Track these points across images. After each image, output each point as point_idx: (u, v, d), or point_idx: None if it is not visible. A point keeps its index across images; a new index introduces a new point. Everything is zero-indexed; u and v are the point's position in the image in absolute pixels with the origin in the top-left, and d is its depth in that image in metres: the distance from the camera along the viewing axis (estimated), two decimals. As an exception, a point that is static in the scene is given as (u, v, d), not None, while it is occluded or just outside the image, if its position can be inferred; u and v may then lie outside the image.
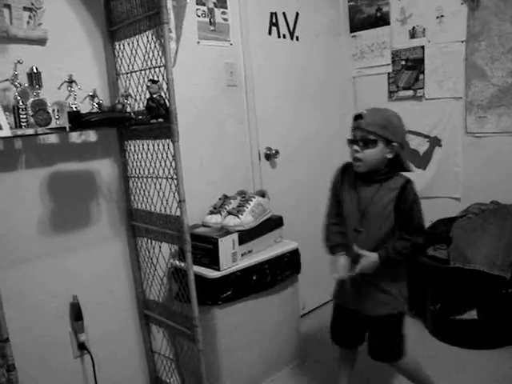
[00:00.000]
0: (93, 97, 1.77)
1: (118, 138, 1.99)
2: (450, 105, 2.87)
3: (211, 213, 2.20)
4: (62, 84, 1.67)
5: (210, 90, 2.40)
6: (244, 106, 2.59)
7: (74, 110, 1.66)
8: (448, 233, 2.58)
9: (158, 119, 1.70)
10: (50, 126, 1.58)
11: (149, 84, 1.69)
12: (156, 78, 1.71)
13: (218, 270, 2.03)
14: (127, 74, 1.91)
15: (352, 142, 1.74)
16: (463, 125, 2.84)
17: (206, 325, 2.00)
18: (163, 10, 1.60)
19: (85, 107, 1.73)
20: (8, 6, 1.64)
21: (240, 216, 2.15)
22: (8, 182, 1.72)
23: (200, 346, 1.80)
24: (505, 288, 2.37)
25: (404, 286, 1.82)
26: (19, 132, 1.53)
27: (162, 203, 1.88)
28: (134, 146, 1.97)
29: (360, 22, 3.19)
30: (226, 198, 2.30)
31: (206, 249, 2.06)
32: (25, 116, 1.56)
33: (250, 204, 2.22)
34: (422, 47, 2.91)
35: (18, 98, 1.55)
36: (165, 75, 1.66)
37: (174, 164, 1.71)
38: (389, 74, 3.10)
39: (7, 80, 1.57)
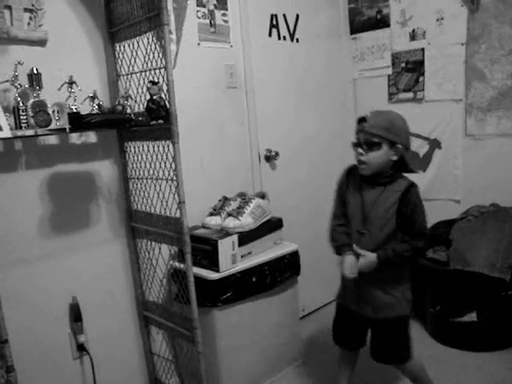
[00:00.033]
0: (93, 98, 1.77)
1: (118, 139, 1.99)
2: (450, 107, 2.87)
3: (211, 214, 2.20)
4: (62, 85, 1.67)
5: (210, 92, 2.40)
6: (244, 107, 2.59)
7: (74, 111, 1.66)
8: (448, 235, 2.58)
9: (158, 121, 1.70)
10: (50, 127, 1.58)
11: (149, 85, 1.70)
12: (156, 80, 1.71)
13: (218, 271, 2.03)
14: (127, 75, 1.91)
15: (356, 145, 1.74)
16: (463, 127, 2.84)
17: (206, 326, 2.00)
18: (163, 12, 1.60)
19: (85, 108, 1.73)
20: (9, 7, 1.64)
21: (240, 218, 2.15)
22: (8, 183, 1.72)
23: (200, 347, 1.80)
24: (504, 290, 2.36)
25: (407, 288, 1.82)
26: (19, 133, 1.53)
27: (161, 205, 1.88)
28: (134, 148, 1.97)
29: (360, 24, 3.19)
30: (225, 199, 2.30)
31: (205, 250, 2.06)
32: (25, 117, 1.56)
33: (249, 206, 2.22)
34: (422, 49, 2.92)
35: (19, 98, 1.55)
36: (165, 77, 1.66)
37: (173, 165, 1.71)
38: (389, 76, 3.10)
39: (7, 81, 1.57)
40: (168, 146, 1.75)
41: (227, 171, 2.52)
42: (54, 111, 1.63)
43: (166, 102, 1.67)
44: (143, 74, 1.83)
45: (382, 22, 3.09)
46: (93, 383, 1.97)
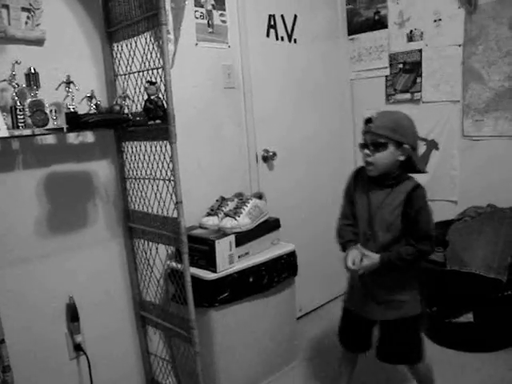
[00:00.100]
0: (90, 98, 1.76)
1: (116, 139, 1.99)
2: (448, 108, 2.87)
3: (208, 214, 2.20)
4: (59, 85, 1.67)
5: (207, 92, 2.40)
6: (242, 108, 2.60)
7: (72, 110, 1.66)
8: (444, 236, 2.59)
9: (155, 121, 1.70)
10: (47, 127, 1.58)
11: (147, 85, 1.70)
12: (154, 80, 1.71)
13: (215, 271, 2.03)
14: (125, 75, 1.91)
15: (363, 146, 1.74)
16: (460, 128, 2.85)
17: (203, 326, 2.00)
18: (161, 12, 1.60)
19: (82, 108, 1.73)
20: (6, 7, 1.64)
21: (237, 218, 2.15)
22: (5, 183, 1.72)
23: (196, 347, 1.80)
24: (501, 291, 2.37)
25: (415, 288, 1.80)
26: (16, 133, 1.53)
27: (159, 205, 1.88)
28: (132, 148, 1.97)
29: (358, 24, 3.20)
30: (223, 199, 2.30)
31: (202, 250, 2.06)
32: (22, 116, 1.56)
33: (247, 206, 2.23)
34: (420, 50, 2.92)
35: (16, 98, 1.55)
36: (163, 77, 1.66)
37: (171, 165, 1.71)
38: (386, 77, 3.11)
39: (5, 80, 1.57)
40: (165, 146, 1.75)
41: (224, 171, 2.52)
42: (51, 111, 1.62)
43: (164, 102, 1.67)
44: (141, 73, 1.83)
45: (379, 23, 3.09)
46: (89, 383, 1.97)
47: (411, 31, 2.94)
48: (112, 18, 1.88)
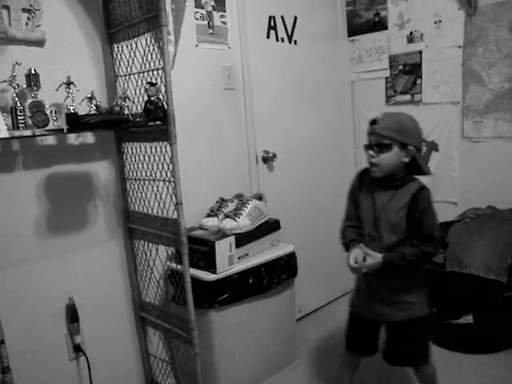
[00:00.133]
0: (91, 99, 1.76)
1: (116, 140, 1.99)
2: (447, 109, 2.88)
3: (208, 215, 2.20)
4: (60, 86, 1.67)
5: (207, 93, 2.40)
6: (242, 109, 2.60)
7: (72, 111, 1.66)
8: (444, 237, 2.59)
9: (155, 122, 1.70)
10: (47, 128, 1.58)
11: (147, 86, 1.70)
12: (154, 81, 1.72)
13: (215, 272, 2.03)
14: (125, 76, 1.91)
15: (368, 147, 1.74)
16: (460, 129, 2.85)
17: (203, 328, 2.00)
18: (162, 13, 1.60)
19: (83, 109, 1.73)
20: (7, 8, 1.64)
21: (237, 219, 2.15)
22: (6, 183, 1.72)
23: (196, 348, 1.80)
24: (501, 292, 2.37)
25: (423, 290, 1.80)
26: (17, 133, 1.53)
27: (159, 206, 1.88)
28: (132, 148, 1.97)
29: (358, 26, 3.20)
30: (223, 200, 2.30)
31: (202, 251, 2.06)
32: (22, 117, 1.56)
33: (247, 207, 2.23)
34: (420, 52, 2.92)
35: (16, 99, 1.56)
36: (163, 78, 1.66)
37: (171, 166, 1.71)
38: (386, 78, 3.11)
39: (5, 81, 1.57)
40: (165, 147, 1.76)
41: (225, 172, 2.52)
42: (51, 112, 1.62)
43: (164, 103, 1.67)
44: (141, 74, 1.83)
45: (379, 25, 3.10)
46: (89, 384, 1.97)
47: (411, 33, 2.95)
48: (112, 19, 1.88)
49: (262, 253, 2.27)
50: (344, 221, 1.92)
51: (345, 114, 3.28)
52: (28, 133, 1.54)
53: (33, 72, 1.60)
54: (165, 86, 1.64)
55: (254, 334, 2.23)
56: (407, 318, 1.76)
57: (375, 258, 1.72)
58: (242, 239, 2.16)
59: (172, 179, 1.72)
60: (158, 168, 1.84)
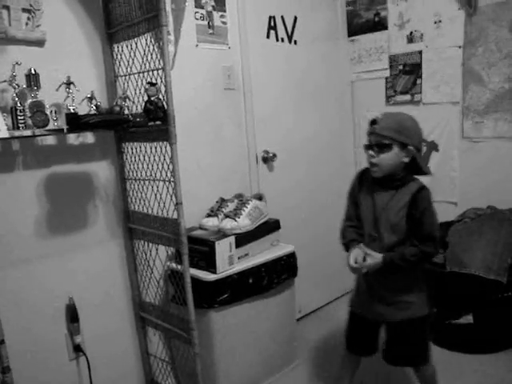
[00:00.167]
0: (91, 99, 1.76)
1: (116, 140, 1.99)
2: (447, 109, 2.88)
3: (208, 215, 2.20)
4: (60, 86, 1.67)
5: (207, 93, 2.40)
6: (242, 109, 2.60)
7: (72, 111, 1.66)
8: (444, 237, 2.59)
9: (155, 122, 1.70)
10: (47, 128, 1.58)
11: (147, 86, 1.70)
12: (154, 81, 1.72)
13: (215, 272, 2.03)
14: (125, 76, 1.91)
15: (368, 147, 1.74)
16: (460, 129, 2.85)
17: (203, 328, 2.00)
18: (162, 13, 1.60)
19: (83, 109, 1.73)
20: (7, 8, 1.64)
21: (237, 219, 2.15)
22: (6, 183, 1.72)
23: (196, 348, 1.80)
24: (501, 292, 2.37)
25: (423, 290, 1.80)
26: (17, 133, 1.53)
27: (159, 206, 1.88)
28: (132, 148, 1.97)
29: (358, 26, 3.20)
30: (223, 200, 2.30)
31: (202, 251, 2.06)
32: (22, 117, 1.56)
33: (247, 207, 2.23)
34: (420, 52, 2.92)
35: (16, 99, 1.55)
36: (163, 78, 1.66)
37: (171, 166, 1.71)
38: (386, 78, 3.11)
39: (5, 81, 1.57)
40: (165, 147, 1.76)
41: (225, 172, 2.52)
42: (51, 112, 1.62)
43: (164, 103, 1.67)
44: (141, 75, 1.83)
45: (379, 25, 3.10)
46: (89, 384, 1.97)
47: (411, 33, 2.95)
48: (112, 19, 1.88)
49: (262, 253, 2.27)
50: (344, 221, 1.92)
51: (345, 114, 3.28)
52: (28, 133, 1.54)
53: (33, 72, 1.60)
54: (165, 86, 1.64)
55: (254, 333, 2.23)
56: (407, 318, 1.76)
57: (375, 258, 1.72)
58: (242, 239, 2.16)
59: (172, 179, 1.72)
60: (158, 168, 1.84)
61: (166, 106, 1.66)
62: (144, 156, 1.92)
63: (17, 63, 1.58)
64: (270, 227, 2.35)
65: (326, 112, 3.13)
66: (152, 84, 1.69)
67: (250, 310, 2.18)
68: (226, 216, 2.17)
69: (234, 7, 2.51)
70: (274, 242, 2.37)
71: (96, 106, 1.77)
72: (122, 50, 1.90)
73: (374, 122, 1.71)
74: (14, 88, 1.56)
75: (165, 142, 1.74)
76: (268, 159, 2.72)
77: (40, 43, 1.75)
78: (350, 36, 3.25)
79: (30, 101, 1.58)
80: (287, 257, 2.33)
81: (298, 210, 2.92)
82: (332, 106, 3.18)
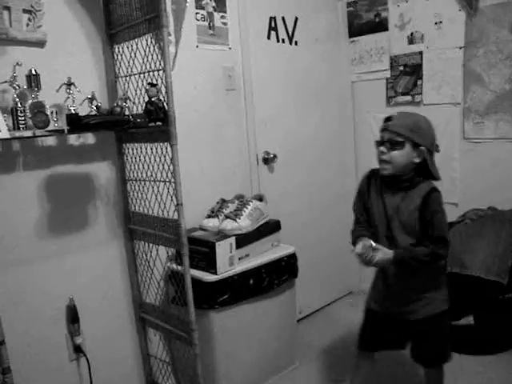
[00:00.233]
0: (91, 99, 1.76)
1: (117, 140, 1.99)
2: (448, 110, 2.87)
3: (209, 216, 2.20)
4: (60, 86, 1.67)
5: (208, 94, 2.40)
6: (242, 110, 2.60)
7: (73, 112, 1.66)
8: (445, 238, 2.58)
9: (156, 122, 1.70)
10: (48, 128, 1.58)
11: (147, 87, 1.70)
12: (155, 82, 1.72)
13: (215, 273, 2.03)
14: (126, 77, 1.91)
15: (379, 143, 1.73)
16: (461, 130, 2.85)
17: (203, 328, 1.99)
18: (162, 14, 1.60)
19: (83, 110, 1.72)
20: (8, 8, 1.64)
21: (237, 220, 2.15)
22: (6, 184, 1.72)
23: (197, 349, 1.80)
24: (502, 294, 2.37)
25: (443, 285, 1.80)
26: (17, 134, 1.53)
27: (159, 206, 1.88)
28: (132, 149, 1.97)
29: (359, 27, 3.20)
30: (223, 201, 2.30)
31: (203, 252, 2.06)
32: (23, 118, 1.56)
33: (247, 208, 2.22)
34: (421, 53, 2.92)
35: (17, 99, 1.55)
36: (164, 79, 1.66)
37: (171, 167, 1.71)
38: (387, 79, 3.11)
39: (6, 82, 1.57)
40: (166, 148, 1.76)
41: (225, 173, 2.52)
42: (52, 112, 1.63)
43: (165, 104, 1.67)
44: (142, 75, 1.83)
45: (380, 26, 3.09)
46: (89, 385, 1.97)
47: (412, 33, 2.95)
48: (113, 20, 1.88)
49: (263, 254, 2.27)
50: (354, 224, 1.90)
51: (345, 115, 3.28)
52: (28, 133, 1.54)
53: (33, 73, 1.60)
54: (165, 87, 1.64)
55: (255, 335, 2.23)
56: (430, 315, 1.75)
57: (386, 253, 1.70)
58: (243, 240, 2.16)
59: (172, 180, 1.72)
60: (158, 169, 1.84)
61: (166, 106, 1.66)
62: (144, 157, 1.92)
63: (17, 64, 1.58)
64: (270, 228, 2.35)
65: (326, 113, 3.13)
66: (152, 85, 1.69)
67: (250, 311, 2.18)
68: (227, 217, 2.17)
69: (235, 8, 2.51)
70: (274, 242, 2.37)
71: (97, 106, 1.77)
72: (123, 51, 1.90)
73: (388, 119, 1.71)
74: (15, 89, 1.56)
75: (165, 143, 1.74)
76: (269, 160, 2.72)
77: (41, 44, 1.76)
78: (350, 37, 3.25)
79: (30, 101, 1.58)
80: (288, 258, 2.32)
81: (298, 210, 2.92)
82: (333, 107, 3.18)
